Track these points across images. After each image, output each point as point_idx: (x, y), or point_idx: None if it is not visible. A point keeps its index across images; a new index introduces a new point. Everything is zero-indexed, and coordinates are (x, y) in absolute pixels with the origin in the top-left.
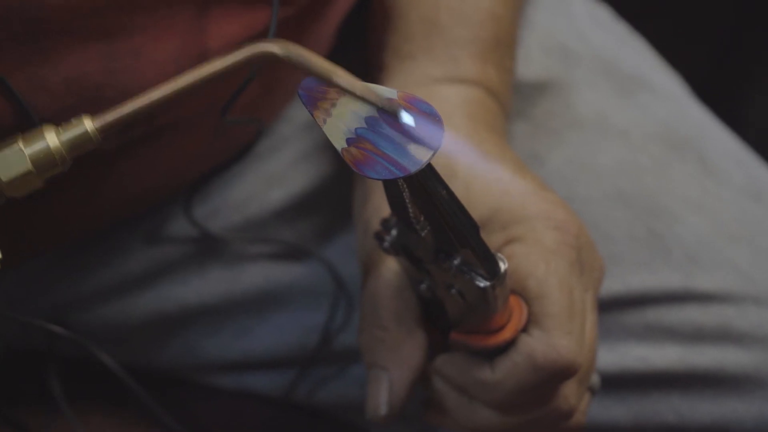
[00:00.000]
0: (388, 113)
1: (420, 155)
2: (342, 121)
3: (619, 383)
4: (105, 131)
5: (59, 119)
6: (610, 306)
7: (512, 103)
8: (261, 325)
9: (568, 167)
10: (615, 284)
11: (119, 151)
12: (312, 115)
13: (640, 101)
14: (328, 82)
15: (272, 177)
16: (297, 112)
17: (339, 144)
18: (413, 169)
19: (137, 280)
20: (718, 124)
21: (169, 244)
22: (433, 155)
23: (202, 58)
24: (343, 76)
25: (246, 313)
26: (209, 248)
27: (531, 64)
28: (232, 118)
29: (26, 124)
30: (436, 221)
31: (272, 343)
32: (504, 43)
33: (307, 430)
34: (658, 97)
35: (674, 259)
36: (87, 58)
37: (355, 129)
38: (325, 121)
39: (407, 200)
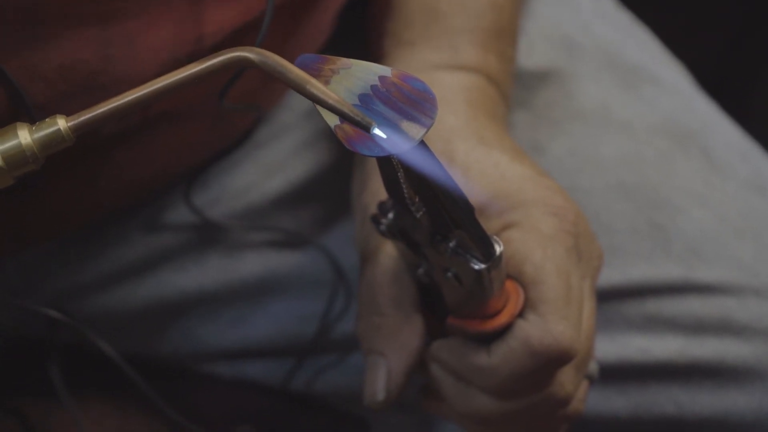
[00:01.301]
0: (361, 126)
1: (413, 132)
2: None
3: (619, 374)
4: (78, 130)
5: (54, 106)
6: (610, 296)
7: (513, 91)
8: (259, 313)
9: (570, 158)
10: (615, 275)
11: (116, 140)
12: None
13: (643, 93)
14: (302, 93)
15: (272, 165)
16: (297, 100)
17: (332, 121)
18: (405, 146)
19: (136, 268)
20: (722, 117)
21: (168, 232)
22: (426, 132)
23: (198, 43)
24: (317, 87)
25: (245, 301)
26: (208, 236)
27: (534, 53)
28: (231, 105)
29: (21, 110)
30: (430, 202)
31: (271, 332)
32: (505, 32)
33: (305, 419)
34: (661, 89)
35: (676, 250)
36: (82, 44)
37: None
38: None
39: (402, 180)
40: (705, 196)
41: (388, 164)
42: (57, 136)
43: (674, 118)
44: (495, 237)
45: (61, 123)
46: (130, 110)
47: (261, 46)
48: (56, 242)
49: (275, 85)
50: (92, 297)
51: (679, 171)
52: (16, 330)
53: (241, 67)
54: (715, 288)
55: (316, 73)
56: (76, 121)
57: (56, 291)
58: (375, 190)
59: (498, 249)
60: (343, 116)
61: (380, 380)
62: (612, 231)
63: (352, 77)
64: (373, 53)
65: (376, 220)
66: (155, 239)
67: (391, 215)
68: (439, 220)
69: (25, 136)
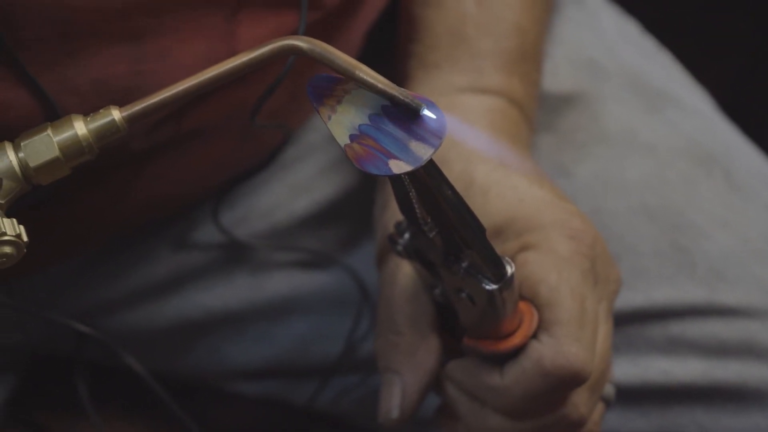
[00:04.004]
0: (410, 108)
1: (421, 153)
2: (346, 118)
3: (641, 396)
4: (132, 121)
5: None
6: (633, 319)
7: (538, 115)
8: (285, 332)
9: (595, 181)
10: (638, 297)
11: (147, 155)
12: (317, 111)
13: (667, 116)
14: (351, 77)
15: (299, 185)
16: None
17: (342, 140)
18: (414, 165)
19: (163, 286)
20: (744, 141)
21: (195, 251)
22: (434, 153)
23: None
24: (366, 71)
25: (270, 320)
26: (235, 255)
27: (558, 77)
28: (260, 123)
29: None
30: (442, 222)
31: (295, 350)
32: (530, 55)
33: None
34: (685, 112)
35: (699, 273)
36: (115, 60)
37: (359, 125)
38: (330, 117)
39: (414, 200)
40: (728, 219)
41: (401, 184)
42: (111, 126)
43: (697, 141)
44: (507, 258)
45: (115, 113)
46: (181, 100)
47: (293, 63)
48: (84, 258)
49: (302, 104)
50: (119, 314)
51: (702, 194)
52: (43, 345)
53: (290, 54)
54: (738, 311)
55: (329, 92)
56: (129, 112)
57: (83, 307)
58: (395, 211)
59: (509, 270)
60: (393, 99)
61: (395, 398)
62: (636, 253)
63: (363, 97)
64: (398, 74)
65: (392, 240)
66: (182, 257)
67: (407, 235)
68: (451, 241)
69: (80, 126)
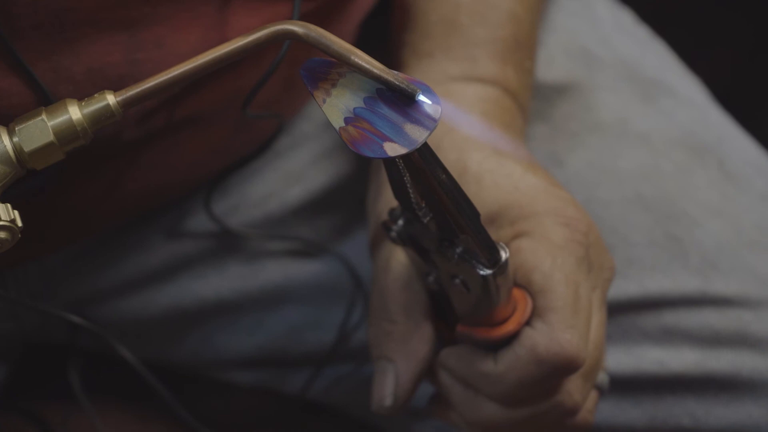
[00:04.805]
0: (406, 94)
1: (416, 135)
2: (341, 101)
3: (634, 386)
4: (127, 105)
5: None
6: (627, 309)
7: (532, 104)
8: (278, 321)
9: (588, 170)
10: (632, 287)
11: (141, 143)
12: (312, 94)
13: (661, 106)
14: (346, 62)
15: (292, 174)
16: (317, 111)
17: (337, 123)
18: (409, 148)
19: (156, 275)
20: (738, 131)
21: (188, 240)
22: (429, 135)
23: None
24: (361, 56)
25: (263, 309)
26: (228, 244)
27: (553, 66)
28: (253, 113)
29: None
30: (436, 207)
31: (288, 339)
32: (524, 44)
33: (323, 427)
34: (679, 102)
35: (692, 263)
36: (110, 48)
37: (354, 109)
38: (324, 101)
39: (408, 184)
40: (721, 209)
41: (395, 168)
42: (106, 111)
43: (691, 131)
44: (501, 244)
45: (110, 98)
46: (176, 85)
47: (287, 53)
48: (77, 248)
49: (296, 94)
50: (112, 303)
51: (696, 184)
52: (37, 334)
53: (285, 39)
54: (731, 300)
55: (324, 75)
56: (124, 96)
57: (77, 296)
58: (389, 199)
59: (504, 255)
60: (388, 85)
61: (388, 386)
62: (629, 243)
63: (358, 81)
64: (392, 63)
65: (386, 227)
66: (175, 246)
67: (401, 222)
68: (445, 226)
69: (75, 111)
